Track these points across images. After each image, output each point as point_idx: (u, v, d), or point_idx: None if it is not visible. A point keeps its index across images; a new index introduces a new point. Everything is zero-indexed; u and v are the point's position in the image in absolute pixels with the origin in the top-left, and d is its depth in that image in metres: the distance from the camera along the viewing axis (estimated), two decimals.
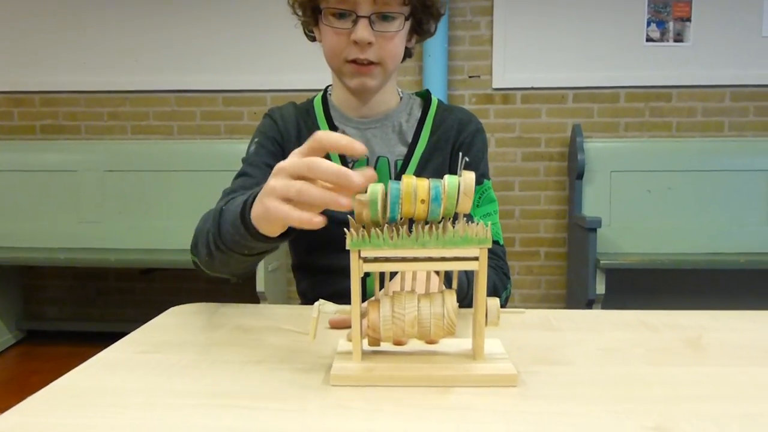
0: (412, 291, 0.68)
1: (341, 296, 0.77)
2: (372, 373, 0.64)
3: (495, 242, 1.09)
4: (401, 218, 0.66)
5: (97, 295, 3.32)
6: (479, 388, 0.62)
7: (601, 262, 2.65)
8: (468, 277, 0.93)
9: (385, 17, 1.01)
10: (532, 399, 0.60)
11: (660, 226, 2.93)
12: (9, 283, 3.22)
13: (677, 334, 0.80)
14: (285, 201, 0.66)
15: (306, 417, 0.55)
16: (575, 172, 2.92)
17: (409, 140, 1.13)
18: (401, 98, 1.17)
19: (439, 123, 1.14)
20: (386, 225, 0.65)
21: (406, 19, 1.04)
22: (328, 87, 1.20)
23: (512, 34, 3.06)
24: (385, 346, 0.72)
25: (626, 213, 2.96)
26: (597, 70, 3.05)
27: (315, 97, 1.19)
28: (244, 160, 1.12)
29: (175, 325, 0.85)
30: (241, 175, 1.09)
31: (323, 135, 0.66)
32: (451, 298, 0.66)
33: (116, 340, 0.76)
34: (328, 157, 0.68)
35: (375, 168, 1.11)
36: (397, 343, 0.72)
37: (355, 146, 0.64)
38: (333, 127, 1.13)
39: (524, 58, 3.07)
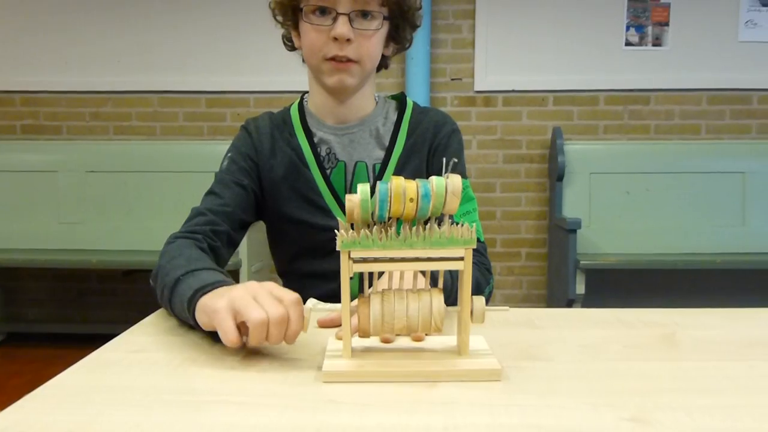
0: (401, 289, 0.70)
1: (326, 299, 0.79)
2: (362, 369, 0.66)
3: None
4: (389, 219, 0.68)
5: (79, 296, 3.31)
6: (465, 382, 0.65)
7: (581, 262, 2.69)
8: (452, 276, 0.96)
9: (364, 15, 1.04)
10: (516, 393, 0.62)
11: (638, 226, 2.99)
12: None
13: (653, 330, 0.83)
14: (233, 312, 0.69)
15: (300, 412, 0.57)
16: (555, 174, 2.97)
17: (386, 144, 1.15)
18: (377, 102, 1.19)
19: (415, 125, 1.16)
20: (375, 226, 0.67)
21: (385, 19, 1.07)
22: (304, 94, 1.21)
23: (494, 38, 3.09)
24: (373, 343, 0.74)
25: (605, 214, 3.01)
26: (577, 74, 3.09)
27: (291, 105, 1.20)
28: (216, 175, 1.13)
29: (167, 325, 0.87)
30: (210, 193, 1.10)
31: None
32: (439, 296, 0.68)
33: (98, 342, 0.77)
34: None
35: (353, 173, 1.13)
36: (385, 340, 0.75)
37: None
38: (309, 134, 1.15)
39: (506, 61, 3.11)
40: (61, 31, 3.16)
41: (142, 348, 0.76)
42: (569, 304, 2.73)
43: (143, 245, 3.00)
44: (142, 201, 3.07)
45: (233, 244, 1.08)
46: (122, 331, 0.85)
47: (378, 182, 0.66)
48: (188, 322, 0.80)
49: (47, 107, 3.22)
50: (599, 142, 3.11)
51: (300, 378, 0.66)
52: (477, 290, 1.01)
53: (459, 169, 1.15)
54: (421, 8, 1.12)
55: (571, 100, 3.13)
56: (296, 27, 1.11)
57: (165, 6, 3.13)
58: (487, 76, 3.11)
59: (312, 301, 0.71)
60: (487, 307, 0.70)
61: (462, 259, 0.68)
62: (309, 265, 1.14)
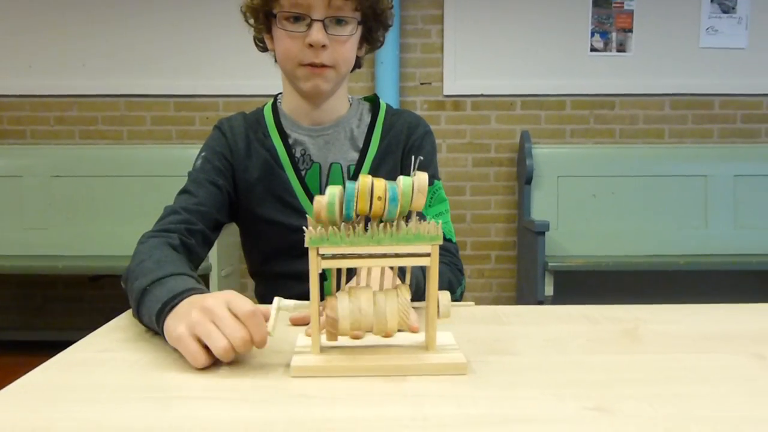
0: (368, 286, 0.71)
1: (300, 299, 0.80)
2: (330, 364, 0.67)
3: (448, 240, 1.13)
4: (357, 216, 0.69)
5: (44, 303, 3.25)
6: (432, 376, 0.66)
7: (550, 264, 2.73)
8: (424, 275, 0.97)
9: (338, 21, 1.05)
10: (482, 385, 0.63)
11: (605, 229, 3.04)
12: None
13: (616, 325, 0.85)
14: (194, 336, 0.68)
15: (269, 406, 0.58)
16: (524, 177, 3.00)
17: (361, 145, 1.16)
18: (351, 104, 1.20)
19: (389, 127, 1.17)
20: (343, 223, 0.67)
21: (359, 24, 1.08)
22: (278, 95, 1.22)
23: (462, 43, 3.13)
24: (342, 340, 0.75)
25: (573, 217, 3.06)
26: (544, 78, 3.14)
27: (265, 105, 1.20)
28: (189, 174, 1.13)
29: (135, 325, 0.86)
30: (184, 192, 1.09)
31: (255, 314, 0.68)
32: (405, 292, 0.69)
33: (63, 349, 0.76)
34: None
35: (328, 174, 1.14)
36: (355, 337, 0.75)
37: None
38: (284, 136, 1.15)
39: (474, 66, 3.14)
40: (25, 33, 3.11)
41: (110, 348, 0.76)
42: (539, 305, 2.76)
43: (111, 250, 2.96)
44: (109, 206, 3.03)
45: (208, 244, 1.07)
46: None
47: (347, 182, 0.67)
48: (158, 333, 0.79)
49: (10, 111, 3.17)
50: (566, 146, 3.16)
51: (269, 374, 0.67)
52: (449, 290, 1.02)
53: (431, 171, 1.17)
54: (392, 7, 1.13)
55: (539, 104, 3.17)
56: (269, 31, 1.11)
57: (132, 8, 3.10)
58: (456, 81, 3.14)
59: (277, 300, 0.72)
60: (453, 303, 0.71)
61: (429, 255, 0.69)
62: (283, 266, 1.14)
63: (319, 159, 1.14)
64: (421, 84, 3.17)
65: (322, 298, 0.70)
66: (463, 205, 3.21)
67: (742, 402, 0.59)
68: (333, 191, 0.67)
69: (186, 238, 1.00)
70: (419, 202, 0.68)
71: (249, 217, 1.14)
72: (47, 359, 0.72)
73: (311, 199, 1.12)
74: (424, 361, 0.68)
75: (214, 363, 0.69)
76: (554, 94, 3.16)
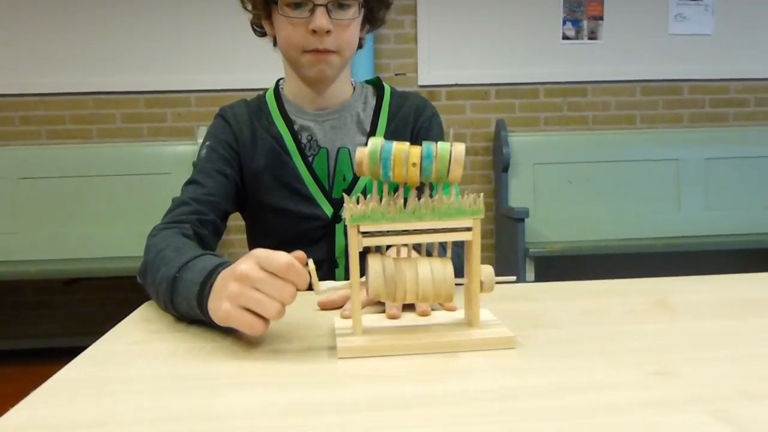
0: (410, 257, 0.69)
1: (308, 288, 0.77)
2: (377, 343, 0.65)
3: None
4: (395, 191, 0.67)
5: (14, 310, 3.14)
6: (481, 351, 0.65)
7: (530, 250, 2.75)
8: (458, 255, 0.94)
9: (341, 5, 1.03)
10: (535, 357, 0.62)
11: (581, 214, 3.07)
12: None
13: (644, 297, 0.85)
14: (242, 307, 0.65)
15: (322, 389, 0.56)
16: (501, 166, 3.02)
17: (368, 129, 1.14)
18: (354, 87, 1.18)
19: (396, 110, 1.16)
20: (384, 199, 0.66)
21: (361, 7, 1.06)
22: (279, 81, 1.19)
23: (436, 33, 3.12)
24: (381, 321, 0.73)
25: (549, 203, 3.08)
26: (517, 67, 3.16)
27: (266, 92, 1.17)
28: (195, 165, 1.09)
29: (162, 316, 0.82)
30: (191, 182, 1.06)
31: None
32: (450, 264, 0.68)
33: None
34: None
35: (336, 159, 1.12)
36: (392, 316, 0.74)
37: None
38: (289, 122, 1.12)
39: (448, 56, 3.14)
40: None
41: (142, 339, 0.72)
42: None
43: (85, 253, 2.88)
44: (80, 207, 2.94)
45: (219, 234, 1.05)
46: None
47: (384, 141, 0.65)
48: (199, 318, 0.75)
49: None
50: (541, 134, 3.18)
51: (314, 357, 0.65)
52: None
53: None
54: None
55: (513, 93, 3.19)
56: (268, 17, 1.08)
57: (97, 2, 3.01)
58: (431, 71, 3.14)
59: (323, 284, 0.69)
60: (496, 278, 0.70)
61: (470, 229, 0.68)
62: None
63: (326, 144, 1.12)
64: (396, 75, 3.15)
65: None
66: None
67: None
68: (376, 141, 0.65)
69: (198, 228, 0.98)
70: (456, 173, 0.67)
71: (256, 205, 1.12)
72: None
73: (320, 185, 1.10)
74: (472, 336, 0.66)
75: (250, 342, 0.68)
76: (528, 82, 3.17)
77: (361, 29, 1.12)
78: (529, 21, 3.14)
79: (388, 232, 0.67)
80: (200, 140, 2.90)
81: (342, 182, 1.11)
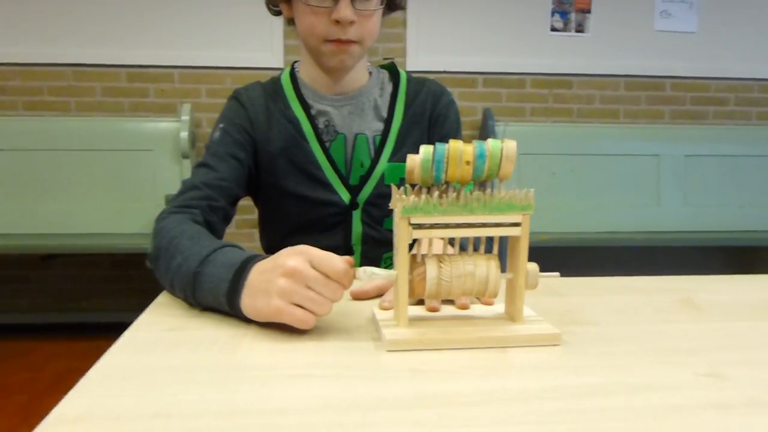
0: (455, 254, 0.69)
1: None
2: (425, 336, 0.65)
3: None
4: (446, 184, 0.67)
5: None
6: (528, 348, 0.65)
7: None
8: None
9: None
10: (583, 355, 0.63)
11: (564, 206, 3.10)
12: None
13: (668, 295, 0.87)
14: (292, 303, 0.65)
15: (377, 383, 0.56)
16: None
17: (385, 115, 1.13)
18: (371, 73, 1.17)
19: (413, 96, 1.15)
20: (436, 192, 0.65)
21: None
22: (294, 63, 1.17)
23: (425, 18, 3.11)
24: (421, 313, 0.73)
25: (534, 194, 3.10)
26: (505, 56, 3.16)
27: (281, 75, 1.15)
28: (207, 147, 1.07)
29: (183, 302, 0.81)
30: (203, 165, 1.03)
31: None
32: (496, 261, 0.68)
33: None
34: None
35: (353, 145, 1.10)
36: (432, 309, 0.74)
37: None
38: (306, 106, 1.10)
39: (437, 43, 3.13)
40: None
41: (177, 326, 0.71)
42: None
43: (62, 228, 2.82)
44: (58, 182, 2.86)
45: (228, 220, 1.03)
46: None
47: (436, 144, 0.65)
48: (220, 309, 0.74)
49: None
50: (527, 124, 3.20)
51: (361, 349, 0.64)
52: None
53: (459, 139, 1.15)
54: None
55: (500, 82, 3.19)
56: (288, 0, 1.06)
57: None
58: (419, 56, 3.13)
59: (365, 270, 0.68)
60: (540, 274, 0.70)
61: (519, 225, 0.68)
62: (306, 241, 1.09)
63: (344, 130, 1.10)
64: (384, 59, 3.12)
65: None
66: None
67: None
68: (428, 149, 0.65)
69: (208, 215, 0.96)
70: (507, 170, 0.67)
71: (271, 190, 1.10)
72: None
73: (336, 171, 1.09)
74: (519, 332, 0.67)
75: (288, 331, 0.67)
76: (515, 72, 3.18)
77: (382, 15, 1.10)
78: (518, 10, 3.14)
79: (436, 224, 0.66)
80: (184, 117, 2.85)
81: (359, 168, 1.10)
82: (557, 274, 0.72)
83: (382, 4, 1.05)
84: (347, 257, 0.67)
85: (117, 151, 2.88)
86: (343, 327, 0.71)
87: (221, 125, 1.08)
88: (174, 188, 2.87)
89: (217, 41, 2.94)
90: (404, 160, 1.06)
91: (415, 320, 0.69)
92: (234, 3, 2.93)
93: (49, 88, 2.99)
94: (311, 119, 1.09)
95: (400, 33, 3.12)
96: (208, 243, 0.80)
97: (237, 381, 0.55)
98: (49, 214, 2.84)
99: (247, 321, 0.70)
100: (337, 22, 0.99)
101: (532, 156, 3.09)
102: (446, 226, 0.66)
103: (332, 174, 1.08)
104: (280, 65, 2.97)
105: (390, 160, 1.09)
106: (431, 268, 0.66)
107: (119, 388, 0.54)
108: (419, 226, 0.66)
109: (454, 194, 0.66)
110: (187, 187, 0.99)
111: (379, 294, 0.82)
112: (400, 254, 0.66)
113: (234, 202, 1.05)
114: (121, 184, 2.88)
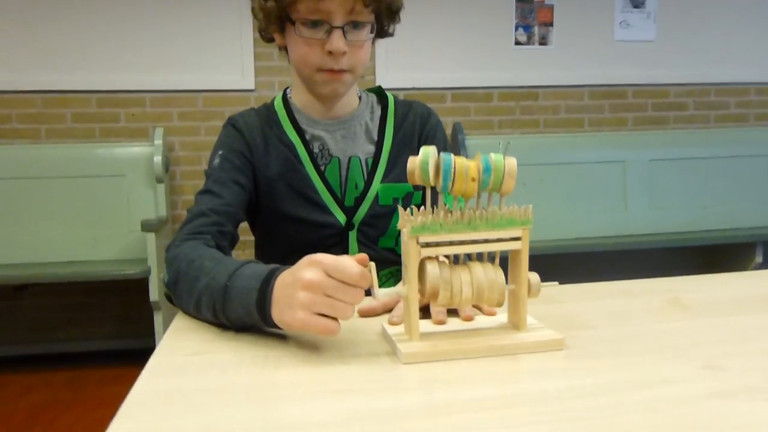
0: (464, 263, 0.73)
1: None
2: (439, 348, 0.69)
3: None
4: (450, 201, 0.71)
5: None
6: (534, 354, 0.69)
7: None
8: None
9: (356, 25, 1.04)
10: (587, 357, 0.67)
11: (535, 215, 3.14)
12: None
13: (656, 297, 0.92)
14: (316, 313, 0.68)
15: (401, 394, 0.59)
16: None
17: (376, 138, 1.17)
18: (360, 97, 1.21)
19: (402, 119, 1.19)
20: (441, 211, 0.69)
21: (373, 26, 1.09)
22: (286, 89, 1.21)
23: (393, 37, 3.16)
24: (430, 327, 0.77)
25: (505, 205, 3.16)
26: (472, 71, 3.24)
27: (274, 101, 1.19)
28: (208, 174, 1.09)
29: (200, 326, 0.83)
30: (207, 192, 1.06)
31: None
32: (500, 270, 0.72)
33: None
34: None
35: (348, 168, 1.14)
36: (439, 322, 0.77)
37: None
38: (300, 131, 1.14)
39: (405, 60, 3.19)
40: None
41: (201, 350, 0.73)
42: None
43: (35, 257, 2.79)
44: (29, 210, 2.84)
45: (234, 245, 1.05)
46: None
47: (442, 152, 0.69)
48: (253, 324, 0.77)
49: None
50: (495, 137, 3.27)
51: (377, 363, 0.68)
52: None
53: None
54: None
55: (468, 96, 3.27)
56: (281, 30, 1.09)
57: None
58: (389, 74, 3.18)
59: (377, 293, 0.72)
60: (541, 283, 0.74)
61: (519, 239, 0.72)
62: None
63: (338, 153, 1.14)
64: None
65: None
66: None
67: None
68: (427, 151, 0.69)
69: (219, 240, 0.98)
70: (509, 186, 0.71)
71: (269, 213, 1.13)
72: None
73: (332, 193, 1.12)
74: (524, 339, 0.71)
75: (316, 353, 0.70)
76: (482, 86, 3.26)
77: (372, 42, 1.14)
78: (483, 26, 3.22)
79: (441, 243, 0.70)
80: (157, 142, 2.85)
81: (354, 190, 1.13)
82: (556, 283, 0.77)
83: (372, 33, 1.09)
84: (360, 256, 0.69)
85: (89, 177, 2.87)
86: (357, 343, 0.74)
87: (220, 152, 1.10)
88: (149, 213, 2.89)
89: (188, 64, 2.96)
90: (397, 181, 1.11)
91: (425, 334, 0.73)
92: (204, 26, 2.95)
93: (18, 116, 2.97)
94: (306, 144, 1.13)
95: (370, 51, 3.17)
96: (231, 261, 0.84)
97: (273, 399, 0.58)
98: (21, 244, 2.81)
99: (267, 333, 0.73)
100: (330, 53, 1.03)
101: None
102: (451, 243, 0.70)
103: (328, 197, 1.11)
104: (251, 87, 2.99)
105: (382, 181, 1.13)
106: (444, 274, 0.69)
107: (162, 412, 0.56)
108: (427, 245, 0.69)
109: (459, 213, 0.70)
110: (195, 214, 1.01)
111: (386, 310, 0.85)
112: (410, 272, 0.70)
113: (238, 226, 1.07)
114: (94, 211, 2.86)
